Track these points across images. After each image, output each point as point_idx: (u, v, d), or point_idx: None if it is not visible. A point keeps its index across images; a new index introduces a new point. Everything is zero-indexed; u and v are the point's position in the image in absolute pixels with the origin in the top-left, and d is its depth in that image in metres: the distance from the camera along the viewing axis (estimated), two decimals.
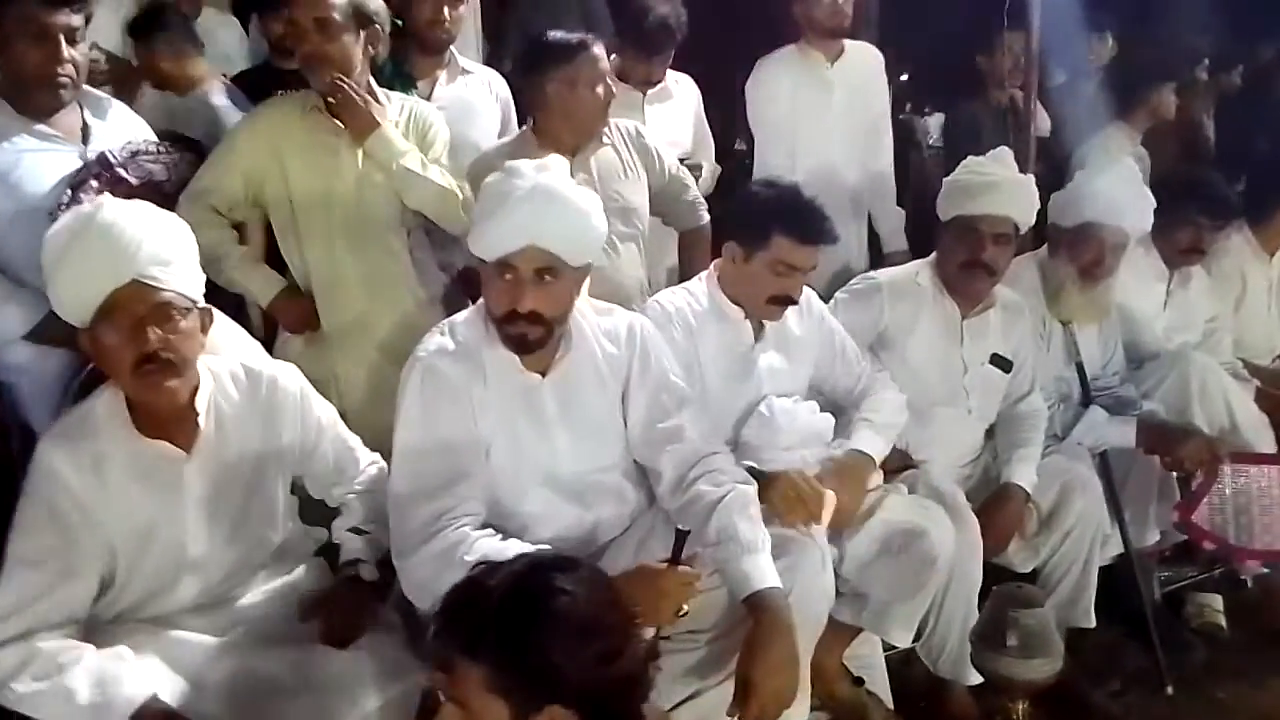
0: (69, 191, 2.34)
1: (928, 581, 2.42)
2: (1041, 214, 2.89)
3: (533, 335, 1.98)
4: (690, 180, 3.09)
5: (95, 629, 1.85)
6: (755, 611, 1.90)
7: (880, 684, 2.62)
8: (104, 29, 3.32)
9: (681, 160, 3.26)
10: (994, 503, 2.69)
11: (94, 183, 2.37)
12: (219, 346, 2.10)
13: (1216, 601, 3.16)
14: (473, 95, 3.13)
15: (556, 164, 2.01)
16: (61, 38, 2.32)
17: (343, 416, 2.43)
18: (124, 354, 1.77)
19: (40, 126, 2.38)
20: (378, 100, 2.62)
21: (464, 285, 2.78)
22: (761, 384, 2.49)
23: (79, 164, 2.39)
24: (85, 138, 2.43)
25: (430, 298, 2.73)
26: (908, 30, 4.24)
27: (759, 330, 2.50)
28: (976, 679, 2.46)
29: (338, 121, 2.57)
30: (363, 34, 2.54)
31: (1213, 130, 4.75)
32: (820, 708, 2.42)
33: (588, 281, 2.12)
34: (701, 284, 2.52)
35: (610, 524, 2.16)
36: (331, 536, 2.15)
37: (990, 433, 2.89)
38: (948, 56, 4.23)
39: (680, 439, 2.14)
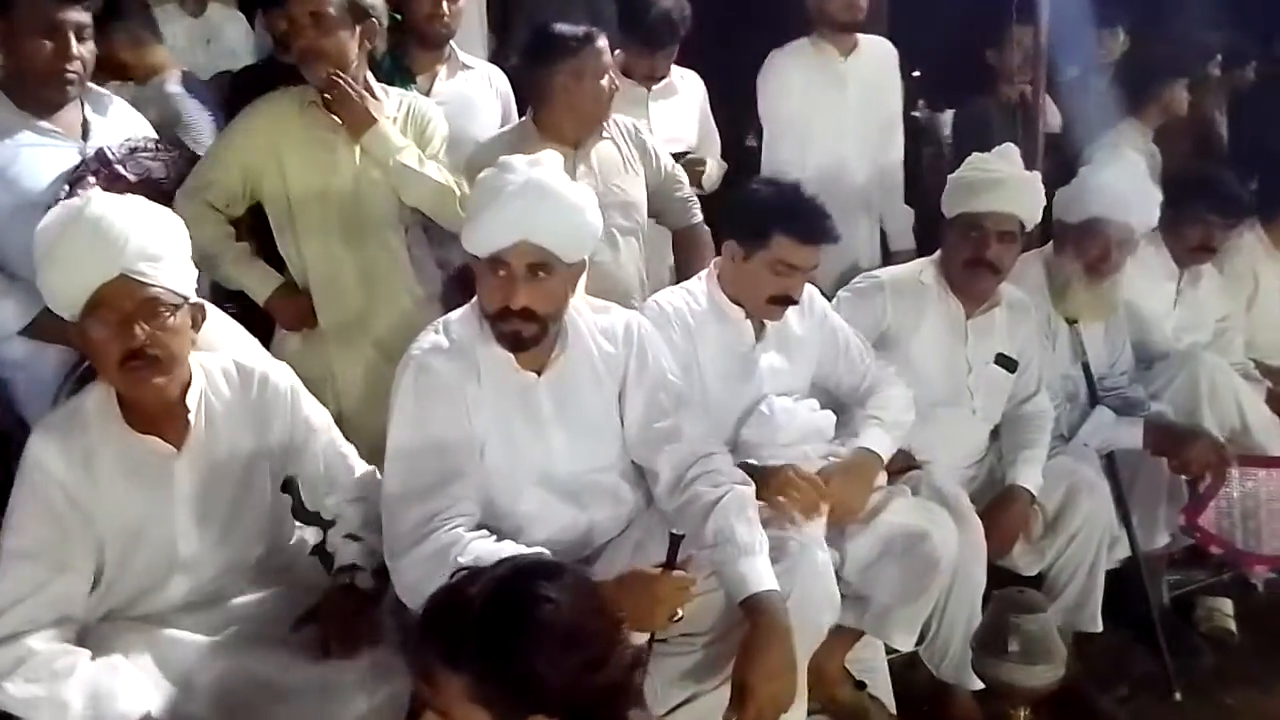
0: (67, 187, 2.34)
1: (930, 584, 2.39)
2: (1049, 211, 2.86)
3: (526, 332, 1.96)
4: (684, 178, 3.09)
5: (86, 627, 1.84)
6: (752, 615, 1.88)
7: (883, 688, 2.59)
8: None
9: (683, 153, 3.25)
10: (998, 505, 2.66)
11: (92, 179, 2.36)
12: (215, 343, 2.09)
13: (1226, 606, 3.13)
14: (473, 90, 3.12)
15: (550, 159, 1.99)
16: (71, 34, 2.32)
17: (339, 415, 2.44)
18: (111, 349, 1.76)
19: (41, 122, 2.38)
20: (375, 96, 2.61)
21: (460, 283, 2.76)
22: (763, 384, 2.47)
23: (78, 160, 2.39)
24: (85, 134, 2.43)
25: (428, 295, 2.72)
26: (917, 25, 4.19)
27: (760, 330, 2.48)
28: (980, 684, 2.43)
29: (335, 117, 2.56)
30: (359, 28, 2.54)
31: (1226, 127, 4.70)
32: (821, 711, 2.40)
33: (584, 279, 2.10)
34: (701, 284, 2.50)
35: (606, 525, 2.14)
36: (326, 544, 2.13)
37: (995, 434, 2.86)
38: (957, 52, 4.19)
39: (678, 439, 2.12)
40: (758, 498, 2.15)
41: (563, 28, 2.72)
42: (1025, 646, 1.98)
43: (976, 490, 2.75)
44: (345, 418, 2.48)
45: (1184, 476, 2.89)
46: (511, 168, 1.94)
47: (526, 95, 2.89)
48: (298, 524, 2.19)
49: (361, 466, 2.16)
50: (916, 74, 4.49)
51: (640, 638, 1.82)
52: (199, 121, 3.13)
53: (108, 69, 3.39)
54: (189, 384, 1.89)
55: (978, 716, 2.58)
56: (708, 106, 3.59)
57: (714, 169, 3.48)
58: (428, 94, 2.95)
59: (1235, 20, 4.54)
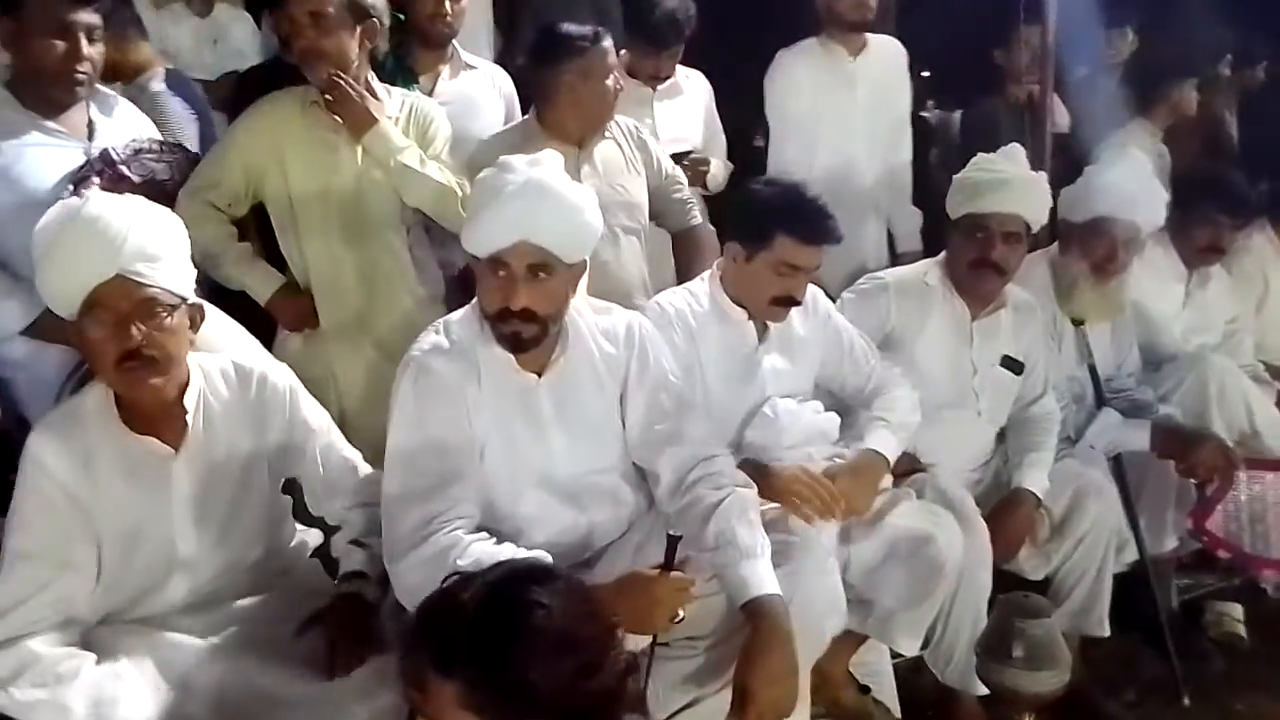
0: (71, 187, 2.34)
1: (935, 589, 2.37)
2: (1054, 211, 2.84)
3: (526, 333, 1.94)
4: (684, 180, 3.08)
5: (88, 631, 1.84)
6: (753, 618, 1.86)
7: (887, 692, 2.57)
8: None
9: (686, 153, 3.24)
10: (1004, 508, 2.64)
11: (96, 179, 2.37)
12: (215, 344, 2.08)
13: (1236, 610, 3.11)
14: (476, 90, 3.11)
15: (550, 158, 1.98)
16: (82, 35, 2.33)
17: (341, 416, 2.43)
18: (107, 349, 1.75)
19: (47, 122, 2.39)
20: (376, 96, 2.60)
21: (462, 284, 2.75)
22: (765, 386, 2.45)
23: (83, 160, 2.39)
24: (90, 134, 2.44)
25: (430, 296, 2.72)
26: (924, 25, 4.17)
27: (762, 331, 2.47)
28: (985, 689, 2.41)
29: (336, 117, 2.55)
30: (359, 29, 2.53)
31: (1236, 128, 4.67)
32: (825, 716, 2.39)
33: (585, 280, 2.09)
34: (703, 285, 2.49)
35: (607, 527, 2.12)
36: (331, 548, 2.12)
37: (1001, 436, 2.84)
38: (964, 52, 4.17)
39: (679, 441, 2.10)
40: (767, 499, 2.14)
41: (570, 27, 2.72)
42: (1030, 652, 1.95)
43: (982, 493, 2.73)
44: (347, 419, 2.48)
45: (1191, 480, 2.87)
46: (511, 167, 1.93)
47: (531, 94, 2.88)
48: (300, 526, 2.18)
49: (366, 471, 2.14)
50: (926, 74, 4.48)
51: (641, 640, 1.81)
52: (181, 120, 3.12)
53: None
54: (187, 384, 1.88)
55: None
56: (714, 107, 3.58)
57: (718, 169, 3.46)
58: (430, 94, 2.94)
59: (1245, 19, 4.50)
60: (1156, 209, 2.92)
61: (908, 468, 2.63)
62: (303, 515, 2.18)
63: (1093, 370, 2.94)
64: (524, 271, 1.90)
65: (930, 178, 3.96)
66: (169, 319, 1.78)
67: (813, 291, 2.51)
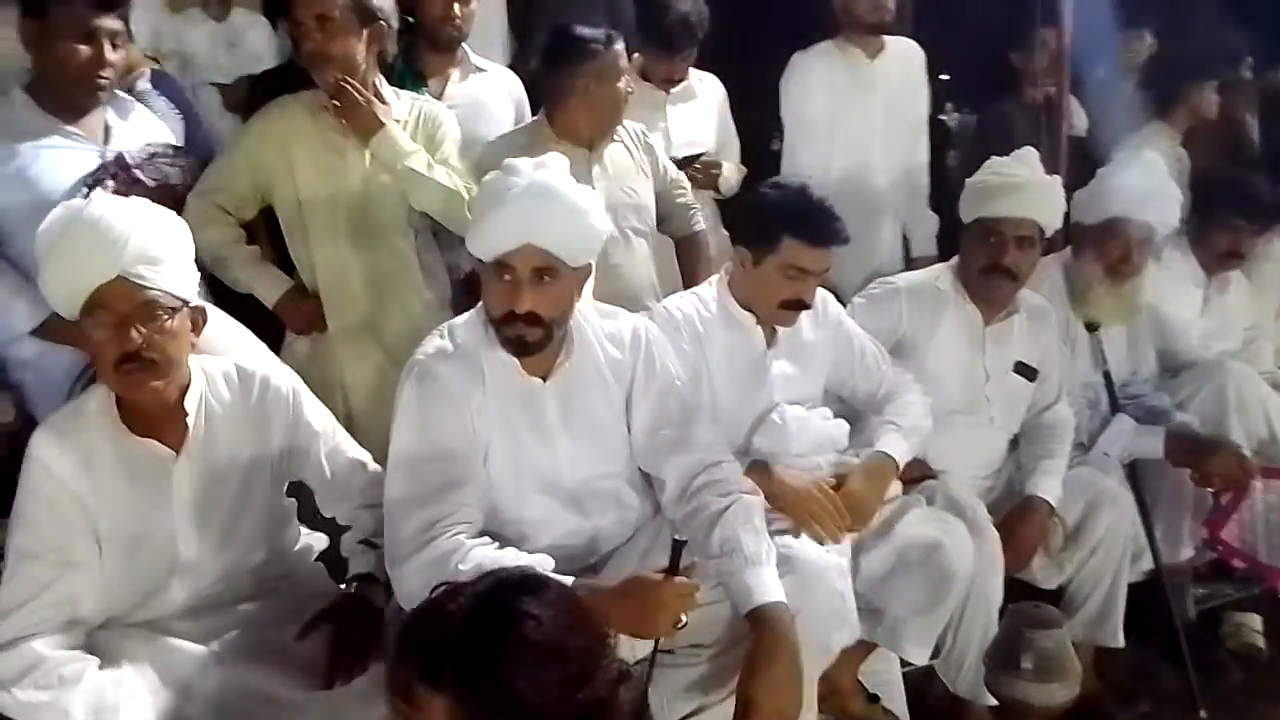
0: (85, 190, 2.34)
1: (945, 597, 2.34)
2: (1069, 215, 2.81)
3: (531, 337, 1.93)
4: (687, 184, 3.08)
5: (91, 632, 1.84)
6: (757, 626, 1.84)
7: (897, 701, 2.55)
8: None
9: (698, 155, 3.22)
10: (1016, 516, 2.60)
11: (110, 182, 2.37)
12: (219, 346, 2.08)
13: (1255, 621, 3.06)
14: (486, 94, 3.10)
15: (556, 161, 1.97)
16: (106, 41, 2.33)
17: (348, 419, 2.43)
18: (107, 351, 1.75)
19: (65, 125, 2.39)
20: (383, 100, 2.60)
21: (469, 287, 2.75)
22: (774, 391, 2.43)
23: (98, 164, 2.39)
24: (106, 138, 2.44)
25: (437, 300, 2.71)
26: (941, 27, 4.14)
27: (771, 336, 2.44)
28: (995, 700, 2.38)
29: (344, 121, 2.55)
30: (366, 32, 2.52)
31: (1257, 131, 4.61)
32: None
33: (591, 284, 2.08)
34: (711, 289, 2.46)
35: (611, 532, 2.11)
36: (341, 549, 2.11)
37: (1014, 444, 2.81)
38: (981, 54, 4.14)
39: (685, 446, 2.08)
40: (778, 511, 2.12)
41: (583, 30, 2.72)
42: (1039, 663, 1.93)
43: (994, 501, 2.69)
44: (354, 422, 2.48)
45: (1207, 488, 2.83)
46: (516, 170, 1.92)
47: (542, 96, 2.88)
48: (305, 530, 2.18)
49: (376, 470, 2.14)
50: (945, 77, 4.45)
51: (644, 646, 1.79)
52: (165, 118, 3.13)
53: None
54: (188, 387, 1.88)
55: None
56: (728, 110, 3.56)
57: (731, 173, 3.45)
58: (440, 97, 2.93)
59: (1266, 21, 4.44)
60: (1171, 208, 2.88)
61: (918, 474, 2.61)
62: (309, 519, 2.18)
63: (1107, 376, 2.90)
64: (529, 275, 1.89)
65: (948, 181, 3.94)
66: (170, 321, 1.78)
67: (823, 296, 2.49)
